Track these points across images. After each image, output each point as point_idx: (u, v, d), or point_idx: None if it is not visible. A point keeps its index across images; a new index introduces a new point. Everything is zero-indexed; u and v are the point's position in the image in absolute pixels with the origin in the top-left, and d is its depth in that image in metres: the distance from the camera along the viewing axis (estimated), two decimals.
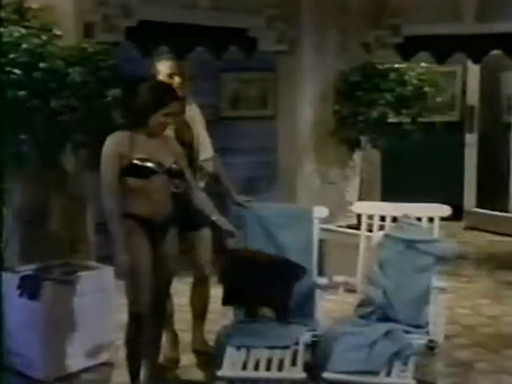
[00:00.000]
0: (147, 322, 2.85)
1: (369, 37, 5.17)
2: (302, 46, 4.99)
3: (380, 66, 4.90)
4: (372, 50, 5.18)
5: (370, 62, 4.95)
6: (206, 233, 3.44)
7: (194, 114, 3.46)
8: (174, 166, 2.88)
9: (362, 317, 3.20)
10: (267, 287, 3.01)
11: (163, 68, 3.39)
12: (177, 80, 3.35)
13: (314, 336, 3.08)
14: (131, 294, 2.80)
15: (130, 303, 2.83)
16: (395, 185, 5.81)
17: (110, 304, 3.50)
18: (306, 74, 5.03)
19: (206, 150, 3.45)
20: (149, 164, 2.80)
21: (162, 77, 3.36)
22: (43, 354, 3.36)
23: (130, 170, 2.76)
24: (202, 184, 3.38)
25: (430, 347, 3.03)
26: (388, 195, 5.02)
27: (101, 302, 3.47)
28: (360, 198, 5.01)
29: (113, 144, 2.77)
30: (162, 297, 2.94)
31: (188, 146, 3.31)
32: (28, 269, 3.50)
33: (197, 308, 3.52)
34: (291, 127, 5.08)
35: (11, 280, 3.38)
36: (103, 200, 2.76)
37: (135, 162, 2.77)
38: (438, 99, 4.90)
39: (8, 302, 3.35)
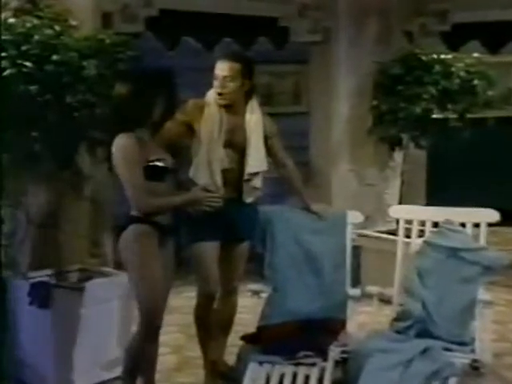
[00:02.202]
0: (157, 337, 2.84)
1: (412, 24, 5.12)
2: (337, 35, 4.97)
3: (424, 57, 4.84)
4: (415, 39, 5.13)
5: (413, 53, 4.89)
6: (244, 246, 3.41)
7: (252, 121, 3.33)
8: (175, 165, 2.90)
9: (398, 332, 3.15)
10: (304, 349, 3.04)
11: (216, 71, 3.26)
12: (230, 86, 3.24)
13: (343, 352, 3.05)
14: (147, 305, 2.78)
15: (145, 315, 2.80)
16: (443, 187, 5.70)
17: (127, 313, 3.51)
18: (342, 67, 5.01)
19: (255, 161, 3.32)
20: (163, 164, 2.81)
21: (217, 83, 3.24)
22: (55, 366, 3.38)
23: (147, 173, 2.77)
24: (250, 199, 3.34)
25: (475, 367, 2.95)
26: (434, 199, 4.94)
27: (117, 311, 3.48)
28: (401, 202, 4.96)
29: (130, 145, 2.77)
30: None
31: (238, 151, 3.29)
32: (40, 275, 3.54)
33: (222, 320, 3.48)
34: (325, 124, 5.06)
35: (23, 287, 3.42)
36: (141, 205, 2.76)
37: (151, 163, 2.78)
38: (490, 93, 4.80)
39: (19, 310, 3.43)
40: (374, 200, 5.02)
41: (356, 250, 4.17)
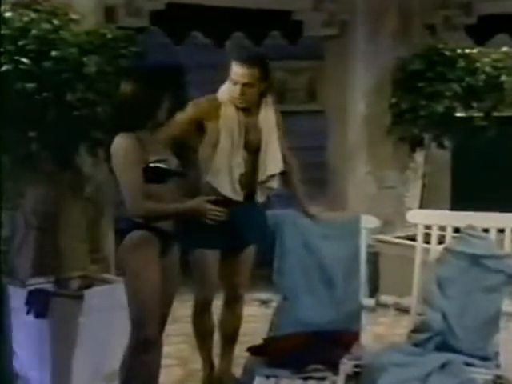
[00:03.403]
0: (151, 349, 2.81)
1: (435, 17, 5.08)
2: (354, 29, 4.94)
3: (447, 52, 4.80)
4: (438, 32, 5.10)
5: (435, 48, 4.85)
6: (250, 250, 3.38)
7: (268, 120, 3.30)
8: (179, 167, 2.86)
9: (416, 344, 3.11)
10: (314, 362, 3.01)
11: (235, 77, 3.21)
12: (250, 92, 3.21)
13: (356, 366, 3.01)
14: (139, 316, 2.76)
15: (136, 326, 2.78)
16: (468, 191, 5.62)
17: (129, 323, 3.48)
18: (359, 62, 4.97)
19: (274, 163, 3.30)
20: (164, 166, 2.78)
21: (236, 89, 3.20)
22: (52, 378, 3.36)
23: (146, 175, 2.74)
24: (262, 199, 3.32)
25: None
26: (459, 203, 4.87)
27: (118, 321, 3.45)
28: (422, 206, 4.91)
29: (129, 145, 2.74)
30: (164, 317, 2.90)
31: (253, 152, 3.26)
32: (39, 282, 3.52)
33: (227, 330, 3.45)
34: (341, 123, 5.03)
35: (21, 295, 3.41)
36: (136, 209, 2.72)
37: (152, 164, 2.75)
38: None
39: (16, 319, 3.41)
40: (393, 203, 4.99)
41: (374, 256, 4.12)
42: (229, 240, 3.25)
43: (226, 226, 2.90)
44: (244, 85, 3.21)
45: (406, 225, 4.74)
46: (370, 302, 3.23)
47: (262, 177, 3.28)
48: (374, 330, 3.37)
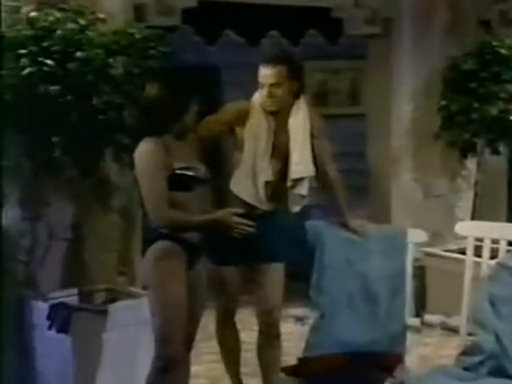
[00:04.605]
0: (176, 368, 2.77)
1: (489, 12, 4.99)
2: (399, 26, 4.87)
3: (502, 50, 4.73)
4: (494, 29, 5.02)
5: (490, 45, 4.77)
6: (279, 266, 3.33)
7: (297, 121, 3.26)
8: (207, 174, 2.82)
9: (466, 368, 2.98)
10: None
11: (262, 79, 3.19)
12: (279, 92, 3.18)
13: None
14: (163, 332, 2.73)
15: (160, 343, 2.75)
16: None
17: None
18: (405, 62, 4.90)
19: (299, 166, 3.25)
20: (191, 173, 2.75)
21: (264, 92, 3.18)
22: None
23: (172, 183, 2.72)
24: (295, 209, 3.28)
25: None
26: None
27: (144, 337, 3.42)
28: (474, 216, 4.82)
29: (154, 151, 2.74)
30: (191, 335, 2.87)
31: (282, 159, 3.23)
32: (62, 295, 3.53)
33: (264, 361, 3.40)
34: (385, 127, 4.97)
35: (43, 309, 3.41)
36: (158, 218, 2.71)
37: (177, 171, 2.73)
38: None
39: (37, 335, 3.42)
40: (442, 214, 4.91)
41: (420, 270, 4.02)
42: (251, 255, 3.21)
43: (254, 240, 2.85)
44: (271, 85, 3.17)
45: (457, 237, 4.65)
46: (414, 321, 3.15)
47: (288, 182, 3.24)
48: (419, 351, 3.28)
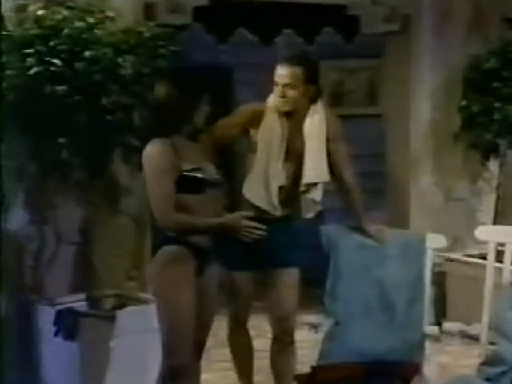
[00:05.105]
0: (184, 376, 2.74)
1: None
2: (418, 24, 4.82)
3: None
4: None
5: None
6: (293, 271, 3.29)
7: (312, 124, 3.22)
8: (218, 176, 2.80)
9: (488, 379, 2.93)
10: None
11: (276, 78, 3.17)
12: (292, 94, 3.15)
13: None
14: (170, 339, 2.70)
15: (167, 351, 2.72)
16: None
17: None
18: (424, 61, 4.85)
19: (313, 170, 3.22)
20: (200, 175, 2.72)
21: (277, 91, 3.16)
22: None
23: (181, 185, 2.69)
24: (308, 215, 3.25)
25: None
26: None
27: (153, 344, 3.39)
28: (496, 220, 4.77)
29: (162, 152, 2.72)
30: (201, 342, 2.83)
31: (296, 163, 3.21)
32: (70, 300, 3.52)
33: (278, 371, 3.36)
34: (403, 128, 4.92)
35: (50, 314, 3.40)
36: (164, 221, 2.68)
37: (186, 173, 2.70)
38: None
39: (44, 341, 3.41)
40: (463, 218, 4.85)
41: (440, 276, 3.96)
42: (263, 260, 3.18)
43: (260, 244, 2.79)
44: (285, 86, 3.15)
45: (478, 242, 4.59)
46: (433, 329, 3.10)
47: (301, 187, 3.22)
48: (439, 360, 3.23)
